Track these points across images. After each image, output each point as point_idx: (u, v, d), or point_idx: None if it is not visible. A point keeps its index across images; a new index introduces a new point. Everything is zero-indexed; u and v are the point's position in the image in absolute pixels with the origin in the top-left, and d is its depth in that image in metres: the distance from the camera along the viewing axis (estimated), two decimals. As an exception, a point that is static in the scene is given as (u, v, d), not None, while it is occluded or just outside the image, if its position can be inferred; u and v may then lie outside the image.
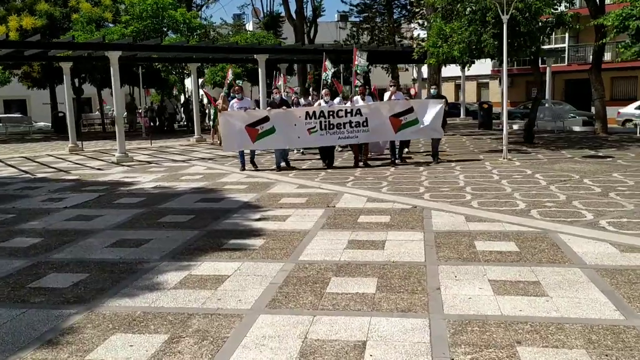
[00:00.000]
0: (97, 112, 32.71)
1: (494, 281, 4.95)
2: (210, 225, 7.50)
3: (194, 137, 22.13)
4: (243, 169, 12.73)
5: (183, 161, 15.43)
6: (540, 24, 14.97)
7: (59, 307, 4.70)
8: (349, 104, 13.21)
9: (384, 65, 34.72)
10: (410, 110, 12.64)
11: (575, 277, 4.98)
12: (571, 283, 4.84)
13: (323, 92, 13.53)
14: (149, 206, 9.00)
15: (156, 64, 25.02)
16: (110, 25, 29.20)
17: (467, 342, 3.78)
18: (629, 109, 23.84)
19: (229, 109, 12.98)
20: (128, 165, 14.72)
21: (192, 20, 28.94)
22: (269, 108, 13.02)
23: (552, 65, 25.30)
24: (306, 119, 12.45)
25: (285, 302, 4.63)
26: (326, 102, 13.10)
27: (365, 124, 12.52)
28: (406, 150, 14.44)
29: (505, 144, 13.31)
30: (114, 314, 4.49)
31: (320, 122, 12.48)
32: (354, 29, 34.51)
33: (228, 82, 13.74)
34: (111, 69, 15.39)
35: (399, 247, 6.12)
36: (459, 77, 30.32)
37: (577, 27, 15.70)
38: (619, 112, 24.36)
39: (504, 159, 13.12)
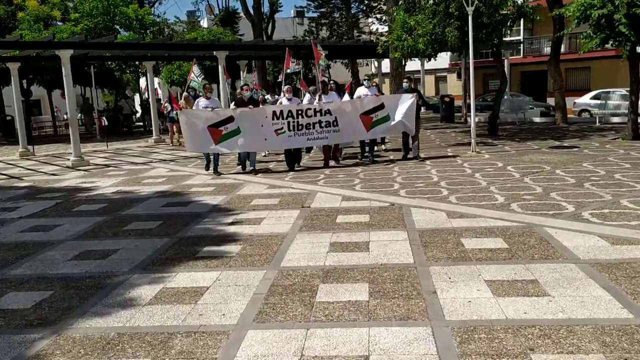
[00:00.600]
0: (56, 114, 31.32)
1: (491, 281, 4.73)
2: (181, 232, 7.06)
3: (152, 138, 21.39)
4: (208, 168, 12.11)
5: (143, 163, 14.79)
6: (501, 16, 15.00)
7: (22, 331, 4.23)
8: (316, 102, 12.74)
9: (344, 61, 34.57)
10: (381, 106, 12.02)
11: (572, 274, 4.82)
12: (570, 280, 4.67)
13: (285, 88, 12.42)
14: (111, 213, 8.46)
15: (109, 62, 24.08)
16: (59, 24, 27.99)
17: (477, 351, 3.53)
18: (585, 99, 24.38)
19: (195, 108, 12.13)
20: (85, 170, 14.00)
21: (145, 17, 28.05)
22: (233, 107, 12.20)
23: (509, 57, 25.65)
24: (273, 119, 11.58)
25: (274, 315, 4.28)
26: (289, 100, 12.18)
27: (335, 123, 11.82)
28: (384, 147, 14.07)
29: (473, 136, 13.26)
30: (85, 337, 4.05)
31: (289, 123, 11.64)
32: (312, 24, 34.18)
33: (192, 81, 12.76)
34: (63, 69, 14.58)
35: (385, 248, 5.85)
36: (418, 71, 30.47)
37: (537, 18, 15.80)
38: (575, 103, 24.88)
39: (472, 151, 13.07)
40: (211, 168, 12.03)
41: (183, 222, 7.58)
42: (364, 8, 33.33)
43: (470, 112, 14.30)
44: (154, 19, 29.61)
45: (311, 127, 11.75)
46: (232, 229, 7.08)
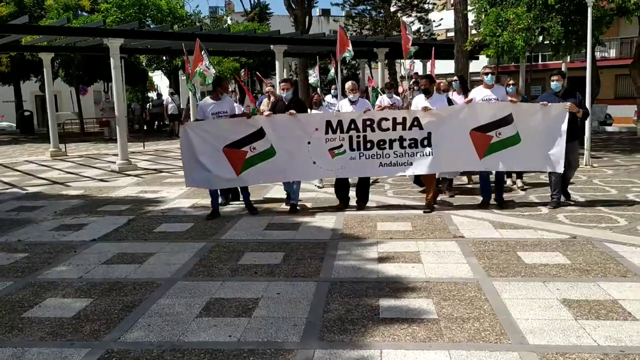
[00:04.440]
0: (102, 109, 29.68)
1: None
2: (325, 272, 5.33)
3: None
4: (211, 216, 7.82)
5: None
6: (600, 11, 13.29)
7: None
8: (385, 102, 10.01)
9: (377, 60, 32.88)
10: (507, 119, 7.52)
11: None
12: None
13: (348, 85, 8.12)
14: (209, 237, 6.75)
15: (143, 56, 22.41)
16: (84, 14, 26.35)
17: None
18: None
19: (199, 116, 8.06)
20: (135, 175, 12.30)
21: (178, 10, 26.43)
22: (267, 112, 8.14)
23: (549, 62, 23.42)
24: (327, 132, 7.71)
25: None
26: (352, 103, 8.03)
27: (426, 142, 7.65)
28: (519, 183, 9.30)
29: (587, 148, 11.49)
30: None
31: (351, 138, 7.70)
32: (353, 20, 32.52)
33: (198, 73, 8.19)
34: (112, 61, 12.90)
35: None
36: (451, 73, 28.11)
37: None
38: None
39: (586, 165, 11.34)
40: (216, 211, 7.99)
41: (314, 256, 5.86)
42: (405, 5, 31.59)
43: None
44: (186, 11, 28.03)
45: (386, 145, 7.72)
46: (388, 269, 5.37)
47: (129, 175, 12.37)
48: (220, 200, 8.29)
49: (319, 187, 9.72)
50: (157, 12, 25.21)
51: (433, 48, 12.04)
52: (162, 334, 4.04)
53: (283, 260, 5.75)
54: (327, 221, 7.38)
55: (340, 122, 7.74)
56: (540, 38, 13.50)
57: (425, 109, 7.63)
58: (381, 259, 5.67)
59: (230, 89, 8.25)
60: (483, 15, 13.87)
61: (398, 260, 5.63)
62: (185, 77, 8.19)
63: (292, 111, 7.75)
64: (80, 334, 4.08)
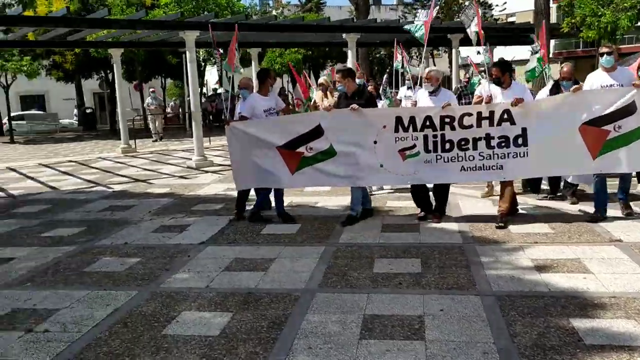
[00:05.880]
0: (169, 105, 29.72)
1: None
2: (479, 283, 4.69)
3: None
4: (241, 214, 7.30)
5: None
6: None
7: None
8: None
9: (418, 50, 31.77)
10: (630, 109, 6.10)
11: None
12: None
13: (427, 72, 6.70)
14: (324, 240, 6.18)
15: (203, 50, 22.16)
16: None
17: None
18: None
19: (237, 114, 7.18)
20: (214, 172, 11.92)
21: (236, 4, 26.12)
22: (329, 104, 7.37)
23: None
24: (397, 130, 6.49)
25: None
26: (432, 95, 6.62)
27: (521, 140, 6.28)
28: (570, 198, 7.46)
29: None
30: None
31: (426, 138, 6.46)
32: (411, 7, 31.55)
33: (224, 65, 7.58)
34: (187, 54, 12.59)
35: None
36: (521, 60, 27.00)
37: None
38: None
39: None
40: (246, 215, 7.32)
41: (457, 263, 5.21)
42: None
43: None
44: (243, 5, 27.72)
45: (469, 146, 6.38)
46: (556, 280, 4.66)
47: (207, 171, 11.99)
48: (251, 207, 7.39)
49: (372, 193, 8.23)
50: (215, 5, 25.00)
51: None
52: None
53: (423, 268, 5.12)
54: (449, 221, 6.71)
55: (412, 119, 6.45)
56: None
57: (489, 98, 6.30)
58: (539, 268, 4.97)
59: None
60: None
61: (561, 269, 4.92)
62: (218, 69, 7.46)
63: (355, 105, 6.51)
64: (238, 358, 3.56)
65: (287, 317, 4.17)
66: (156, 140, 20.35)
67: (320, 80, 9.38)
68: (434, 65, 29.89)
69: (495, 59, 7.81)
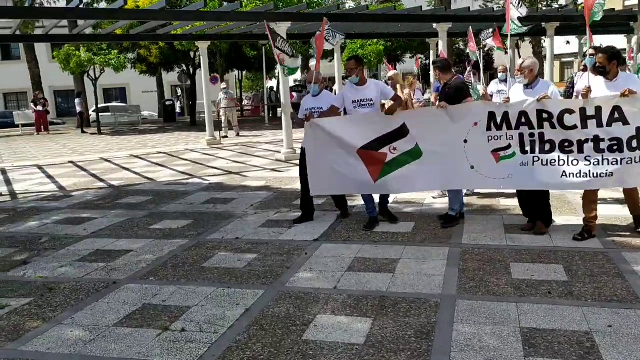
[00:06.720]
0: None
1: None
2: (645, 296, 4.18)
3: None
4: (304, 219, 6.84)
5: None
6: None
7: None
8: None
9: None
10: None
11: None
12: None
13: (521, 62, 5.69)
14: (445, 240, 5.81)
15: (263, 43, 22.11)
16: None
17: None
18: None
19: (302, 111, 6.71)
20: (305, 165, 11.72)
21: (314, -5, 25.94)
22: (421, 101, 6.86)
23: None
24: (490, 128, 5.76)
25: None
26: (527, 88, 5.67)
27: (636, 142, 5.28)
28: None
29: None
30: None
31: (522, 137, 5.68)
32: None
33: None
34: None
35: None
36: (567, 54, 25.10)
37: None
38: None
39: None
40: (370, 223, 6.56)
41: (605, 271, 4.71)
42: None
43: None
44: (322, -5, 27.45)
45: (574, 148, 5.50)
46: None
47: (298, 165, 11.81)
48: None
49: (434, 197, 7.78)
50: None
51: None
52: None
53: (568, 276, 4.65)
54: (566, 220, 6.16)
55: (506, 115, 5.64)
56: None
57: (587, 91, 5.35)
58: None
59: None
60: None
61: None
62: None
63: (443, 103, 5.96)
64: (395, 372, 3.27)
65: (433, 326, 3.84)
66: (226, 136, 19.64)
67: (390, 74, 8.92)
68: (519, 56, 28.60)
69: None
